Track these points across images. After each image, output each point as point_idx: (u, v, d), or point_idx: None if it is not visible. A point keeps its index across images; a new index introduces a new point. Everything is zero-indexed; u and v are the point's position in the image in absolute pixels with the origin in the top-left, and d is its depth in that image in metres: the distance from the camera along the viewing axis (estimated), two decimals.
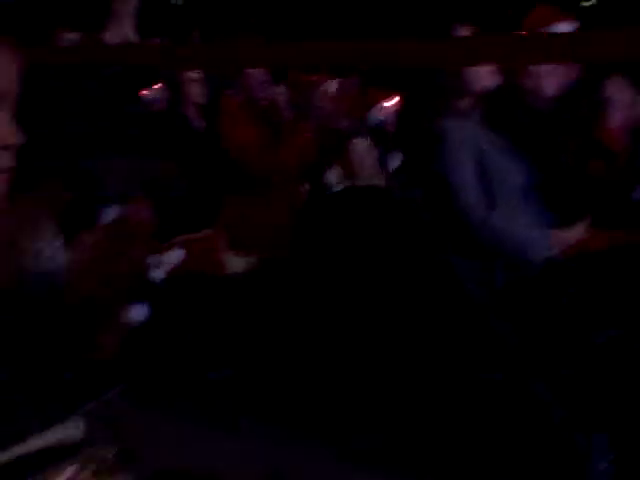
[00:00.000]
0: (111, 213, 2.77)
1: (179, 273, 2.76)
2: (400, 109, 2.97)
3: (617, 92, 3.07)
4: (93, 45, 3.04)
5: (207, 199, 3.34)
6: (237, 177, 3.24)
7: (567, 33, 2.84)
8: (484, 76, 2.64)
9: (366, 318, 3.04)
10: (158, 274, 2.69)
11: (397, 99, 4.21)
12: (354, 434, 2.58)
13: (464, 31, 2.62)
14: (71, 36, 3.66)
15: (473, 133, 2.59)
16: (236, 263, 2.90)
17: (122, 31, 3.86)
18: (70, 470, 0.92)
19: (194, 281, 2.81)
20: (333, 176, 3.75)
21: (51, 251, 1.02)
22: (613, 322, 2.40)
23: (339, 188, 3.54)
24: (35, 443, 0.95)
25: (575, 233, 2.70)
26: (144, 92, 4.44)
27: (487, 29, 2.90)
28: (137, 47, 3.72)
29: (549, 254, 2.54)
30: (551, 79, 2.85)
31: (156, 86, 4.53)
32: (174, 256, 2.77)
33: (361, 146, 4.27)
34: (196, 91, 4.18)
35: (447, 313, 2.71)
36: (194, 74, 4.11)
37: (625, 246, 2.60)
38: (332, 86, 3.41)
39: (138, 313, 2.68)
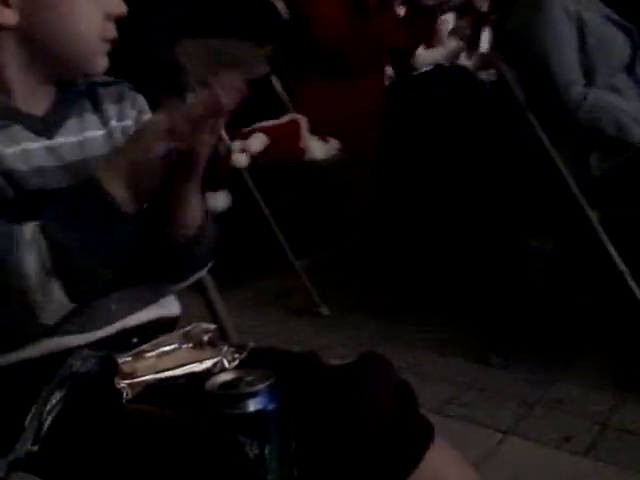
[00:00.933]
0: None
1: (262, 159, 2.72)
2: None
3: None
4: None
5: (289, 81, 3.25)
6: (320, 59, 3.12)
7: None
8: None
9: (452, 207, 2.97)
10: (241, 160, 2.65)
11: None
12: None
13: None
14: None
15: (575, 1, 2.40)
16: (318, 149, 2.83)
17: None
18: (170, 343, 0.92)
19: (277, 167, 2.76)
20: (420, 56, 3.60)
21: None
22: None
23: (426, 69, 3.39)
24: (137, 318, 0.97)
25: None
26: None
27: None
28: None
29: None
30: None
31: None
32: (257, 142, 2.72)
33: (449, 24, 4.07)
34: None
35: (538, 199, 2.61)
36: None
37: None
38: None
39: (221, 200, 2.67)
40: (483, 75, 3.12)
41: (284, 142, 2.79)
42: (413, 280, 2.88)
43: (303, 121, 2.89)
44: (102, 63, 0.97)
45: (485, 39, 4.03)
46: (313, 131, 2.92)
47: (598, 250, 2.32)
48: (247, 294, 2.82)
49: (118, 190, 0.83)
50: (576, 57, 2.38)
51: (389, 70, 3.51)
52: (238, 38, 3.23)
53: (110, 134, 1.01)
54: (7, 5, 0.90)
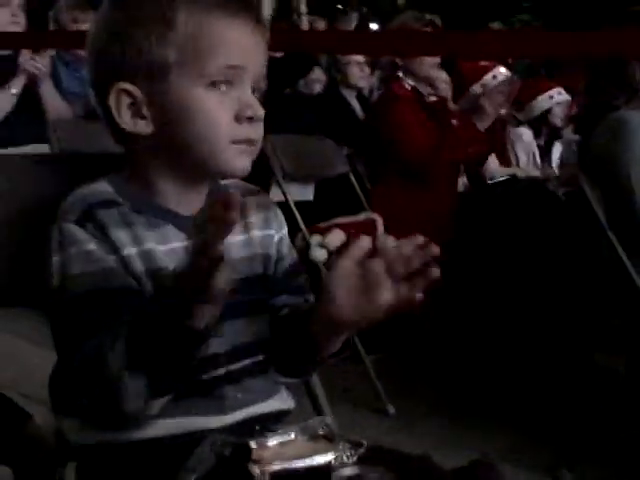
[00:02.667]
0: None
1: (338, 256, 2.77)
2: (578, 99, 2.85)
3: None
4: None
5: (366, 181, 3.34)
6: (398, 164, 3.21)
7: None
8: None
9: (521, 314, 2.97)
10: (320, 255, 2.71)
11: (562, 90, 4.09)
12: None
13: None
14: None
15: None
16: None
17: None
18: (288, 434, 0.94)
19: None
20: (494, 165, 3.67)
21: None
22: None
23: (500, 179, 3.46)
24: (260, 408, 1.03)
25: None
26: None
27: None
28: (301, 33, 3.77)
29: None
30: None
31: (314, 70, 4.57)
32: (335, 238, 2.77)
33: (524, 136, 4.17)
34: (358, 74, 4.20)
35: (609, 315, 2.60)
36: (356, 57, 4.13)
37: None
38: (500, 75, 3.31)
39: None
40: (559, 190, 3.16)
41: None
42: (481, 384, 2.86)
43: (379, 220, 2.95)
44: (239, 165, 0.99)
45: (556, 152, 4.12)
46: (388, 231, 2.97)
47: None
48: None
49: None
50: None
51: (462, 178, 3.58)
52: (320, 135, 3.36)
53: (250, 241, 1.06)
54: (142, 117, 0.96)
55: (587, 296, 2.63)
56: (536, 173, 3.94)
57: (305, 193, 3.03)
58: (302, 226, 2.75)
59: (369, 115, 3.76)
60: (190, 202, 1.01)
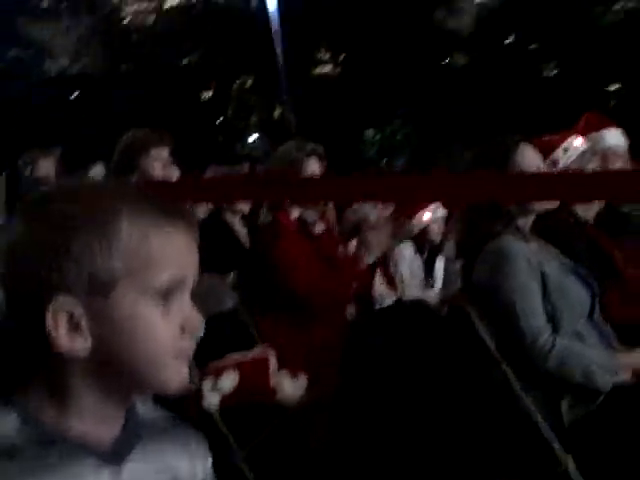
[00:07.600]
0: None
1: (231, 400, 2.68)
2: (457, 224, 2.92)
3: None
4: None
5: (254, 315, 3.28)
6: (283, 297, 3.17)
7: None
8: None
9: (418, 443, 2.94)
10: (213, 400, 2.61)
11: (440, 208, 4.22)
12: None
13: None
14: None
15: (535, 252, 2.55)
16: (289, 387, 2.82)
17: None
18: None
19: (248, 409, 2.73)
20: (379, 288, 3.71)
21: None
22: None
23: (387, 303, 3.49)
24: None
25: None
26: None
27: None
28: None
29: (617, 379, 2.45)
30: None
31: None
32: (228, 381, 2.69)
33: (405, 252, 4.26)
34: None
35: (508, 444, 2.61)
36: None
37: None
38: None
39: None
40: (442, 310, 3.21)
41: (254, 382, 2.76)
42: None
43: (272, 357, 2.89)
44: (179, 379, 0.96)
45: (439, 267, 4.22)
46: (281, 364, 2.91)
47: None
48: None
49: None
50: (541, 306, 2.49)
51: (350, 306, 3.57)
52: (205, 271, 3.30)
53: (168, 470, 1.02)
54: (79, 332, 0.90)
55: (483, 425, 2.63)
56: (419, 291, 4.00)
57: None
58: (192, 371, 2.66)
59: (252, 244, 3.74)
60: (109, 423, 0.96)
